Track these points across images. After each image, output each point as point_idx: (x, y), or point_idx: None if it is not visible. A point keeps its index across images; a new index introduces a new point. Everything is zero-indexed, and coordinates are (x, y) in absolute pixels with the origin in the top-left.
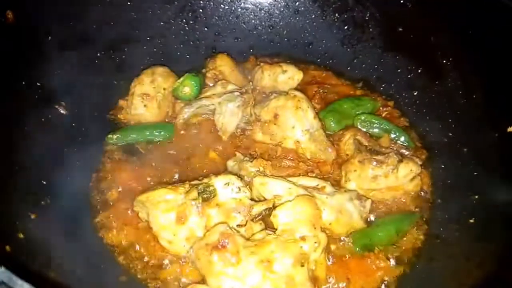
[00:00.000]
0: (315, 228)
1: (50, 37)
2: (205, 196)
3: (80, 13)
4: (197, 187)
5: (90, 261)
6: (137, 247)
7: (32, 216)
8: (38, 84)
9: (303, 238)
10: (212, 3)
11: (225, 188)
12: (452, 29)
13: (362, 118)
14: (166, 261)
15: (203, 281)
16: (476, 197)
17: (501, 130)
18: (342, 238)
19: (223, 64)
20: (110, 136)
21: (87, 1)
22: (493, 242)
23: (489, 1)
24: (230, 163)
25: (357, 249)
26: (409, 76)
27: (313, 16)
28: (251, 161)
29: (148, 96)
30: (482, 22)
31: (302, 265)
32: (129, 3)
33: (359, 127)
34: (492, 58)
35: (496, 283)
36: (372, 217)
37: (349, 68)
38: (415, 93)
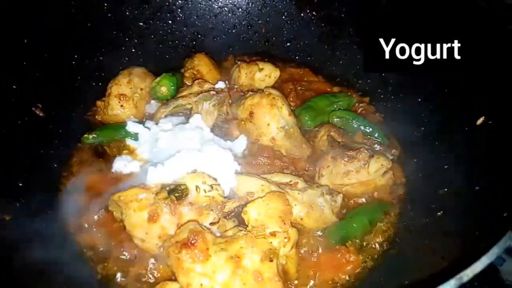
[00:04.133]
0: (285, 223)
1: (26, 40)
2: (176, 195)
3: (55, 15)
4: (169, 186)
5: (63, 262)
6: (110, 247)
7: (7, 218)
8: (14, 87)
9: (272, 234)
10: (190, 2)
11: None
12: (426, 25)
13: (337, 114)
14: (138, 259)
15: (174, 278)
16: (446, 190)
17: (471, 123)
18: (314, 233)
19: (200, 63)
20: (86, 136)
21: (62, 3)
22: (457, 236)
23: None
24: None
25: (334, 242)
26: None
27: (291, 13)
28: None
29: (125, 97)
30: (456, 18)
31: (271, 260)
32: (105, 3)
33: (333, 123)
34: (465, 53)
35: (451, 275)
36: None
37: (326, 65)
38: (390, 89)
